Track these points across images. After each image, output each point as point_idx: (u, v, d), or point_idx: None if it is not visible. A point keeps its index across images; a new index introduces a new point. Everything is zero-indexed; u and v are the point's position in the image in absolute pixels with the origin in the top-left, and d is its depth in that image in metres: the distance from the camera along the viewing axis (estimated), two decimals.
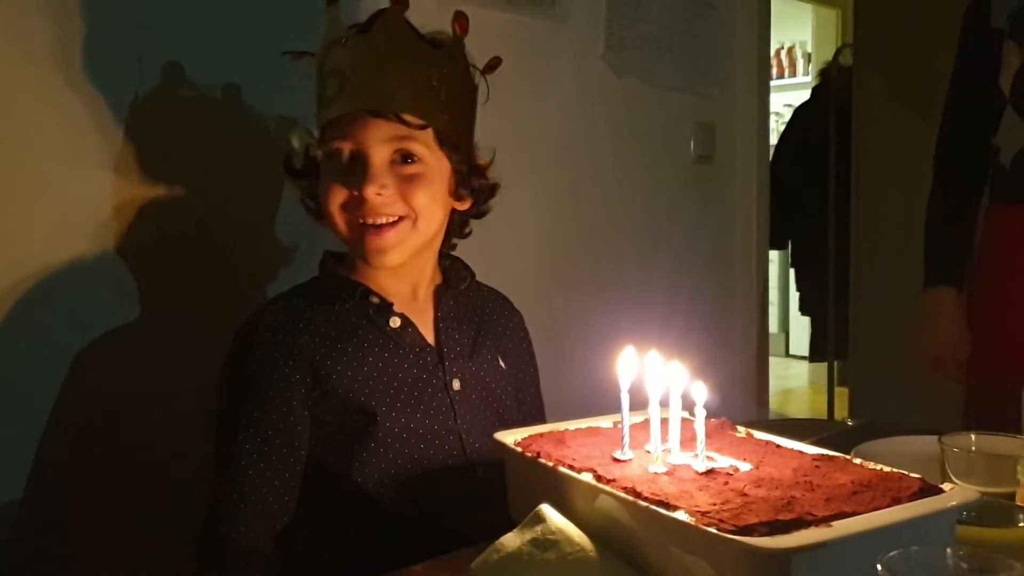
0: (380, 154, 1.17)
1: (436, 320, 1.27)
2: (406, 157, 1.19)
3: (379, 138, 1.17)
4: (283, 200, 1.56)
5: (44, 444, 1.36)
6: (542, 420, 1.39)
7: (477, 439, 1.23)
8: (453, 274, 1.33)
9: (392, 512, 1.16)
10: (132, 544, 1.41)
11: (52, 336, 1.37)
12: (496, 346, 1.33)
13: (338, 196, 1.18)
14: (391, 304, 1.23)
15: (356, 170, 1.17)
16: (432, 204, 1.21)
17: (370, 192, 1.16)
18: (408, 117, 1.17)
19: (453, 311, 1.29)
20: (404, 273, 1.26)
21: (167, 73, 1.45)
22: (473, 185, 1.30)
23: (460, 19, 1.22)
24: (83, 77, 1.37)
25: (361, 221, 1.18)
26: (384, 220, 1.18)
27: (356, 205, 1.18)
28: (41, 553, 1.35)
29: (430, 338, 1.26)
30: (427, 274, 1.29)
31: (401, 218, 1.19)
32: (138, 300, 1.45)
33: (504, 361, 1.33)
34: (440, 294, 1.29)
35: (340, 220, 1.19)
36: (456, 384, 1.24)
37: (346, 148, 1.18)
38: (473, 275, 1.35)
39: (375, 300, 1.23)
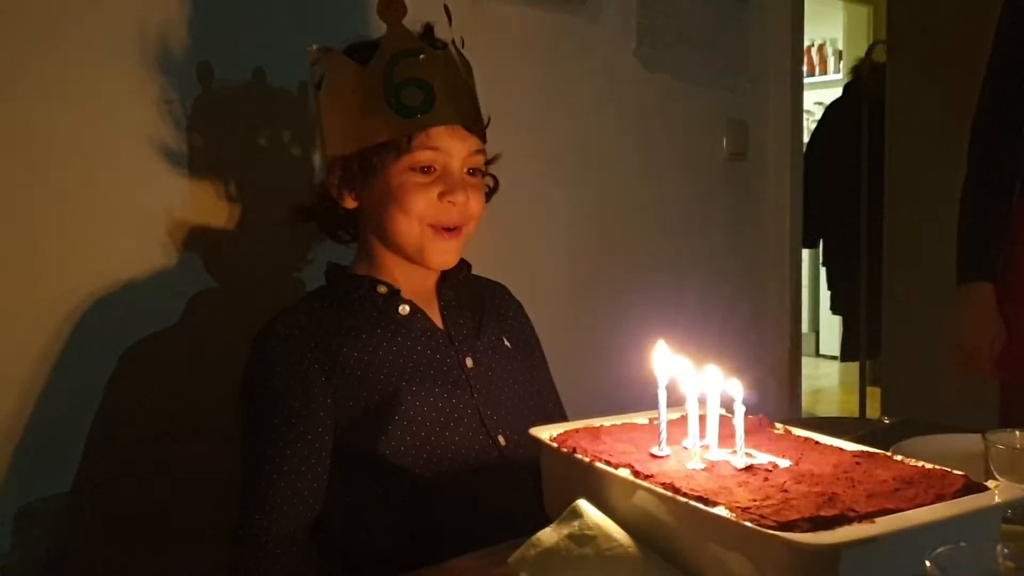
0: (462, 164, 1.25)
1: (441, 308, 1.32)
2: (473, 171, 1.28)
3: (464, 151, 1.25)
4: None
5: (92, 442, 1.38)
6: (559, 402, 1.44)
7: (495, 412, 1.27)
8: (452, 267, 1.36)
9: (419, 486, 1.18)
10: (171, 545, 1.43)
11: (123, 336, 1.40)
12: (499, 328, 1.38)
13: (420, 202, 1.23)
14: (399, 291, 1.28)
15: (442, 180, 1.24)
16: (480, 212, 1.30)
17: (460, 199, 1.24)
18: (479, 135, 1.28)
19: (455, 299, 1.34)
20: (426, 270, 1.32)
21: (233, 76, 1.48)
22: (489, 186, 1.38)
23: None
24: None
25: (438, 225, 1.25)
26: (456, 224, 1.26)
27: (437, 211, 1.24)
28: (81, 548, 1.37)
29: (438, 323, 1.31)
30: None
31: (463, 224, 1.28)
32: (195, 304, 1.47)
33: (508, 341, 1.37)
34: (440, 285, 1.34)
35: (417, 224, 1.24)
36: (469, 362, 1.29)
37: (440, 160, 1.24)
38: (470, 267, 1.39)
39: (382, 289, 1.28)
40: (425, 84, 1.20)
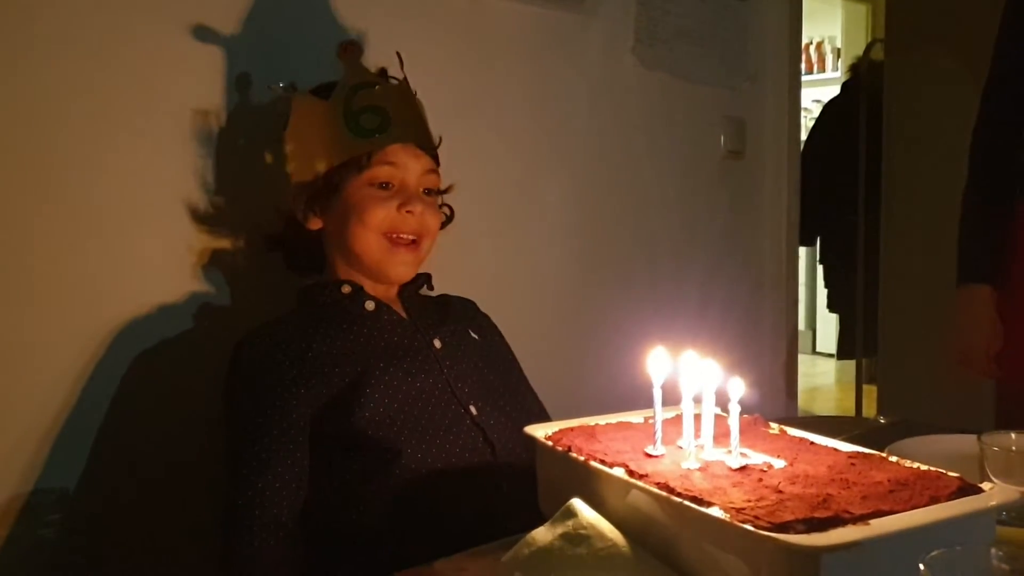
0: (418, 182, 1.36)
1: (404, 307, 1.39)
2: (428, 190, 1.39)
3: (420, 169, 1.36)
4: None
5: (100, 439, 1.38)
6: (536, 396, 1.48)
7: (465, 384, 1.32)
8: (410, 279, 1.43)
9: (398, 458, 1.21)
10: (168, 543, 1.43)
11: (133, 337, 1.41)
12: (466, 324, 1.44)
13: (379, 213, 1.33)
14: (362, 287, 1.36)
15: (400, 193, 1.34)
16: (436, 231, 1.40)
17: (417, 209, 1.34)
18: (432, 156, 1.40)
19: (418, 302, 1.42)
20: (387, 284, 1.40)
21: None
22: (446, 215, 1.49)
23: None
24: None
25: (395, 237, 1.34)
26: (414, 237, 1.35)
27: (394, 220, 1.33)
28: (82, 541, 1.37)
29: (403, 314, 1.38)
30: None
31: (419, 238, 1.37)
32: (199, 307, 1.48)
33: (476, 334, 1.44)
34: (401, 291, 1.41)
35: (375, 237, 1.33)
36: (437, 343, 1.35)
37: (397, 175, 1.34)
38: (430, 277, 1.46)
39: (346, 289, 1.35)
40: (381, 110, 1.33)
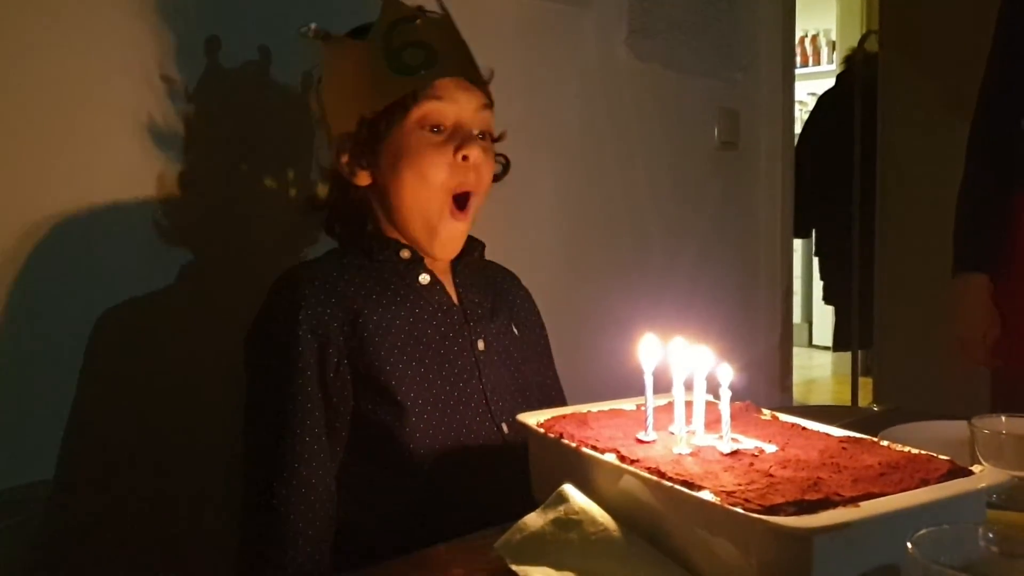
0: (472, 119, 1.23)
1: (456, 284, 1.30)
2: (483, 133, 1.25)
3: (474, 106, 1.23)
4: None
5: (75, 433, 1.36)
6: (561, 392, 1.41)
7: (500, 399, 1.25)
8: (466, 245, 1.32)
9: (423, 468, 1.15)
10: (152, 541, 1.41)
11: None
12: (509, 313, 1.36)
13: (436, 161, 1.21)
14: (422, 259, 1.26)
15: (455, 135, 1.21)
16: (489, 185, 1.27)
17: (473, 152, 1.21)
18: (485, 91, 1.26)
19: (470, 278, 1.32)
20: None
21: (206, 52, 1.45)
22: (501, 164, 1.35)
23: None
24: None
25: (458, 192, 1.22)
26: (471, 189, 1.23)
27: (454, 172, 1.21)
28: (60, 539, 1.36)
29: (454, 298, 1.28)
30: None
31: (472, 193, 1.24)
32: (175, 290, 1.45)
33: (517, 329, 1.36)
34: (454, 262, 1.31)
35: (437, 194, 1.22)
36: (480, 344, 1.27)
37: (450, 115, 1.21)
38: (483, 247, 1.36)
39: (406, 254, 1.25)
40: (424, 44, 1.20)
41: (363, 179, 1.25)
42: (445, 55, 1.21)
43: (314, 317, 1.15)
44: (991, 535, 0.69)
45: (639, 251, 2.27)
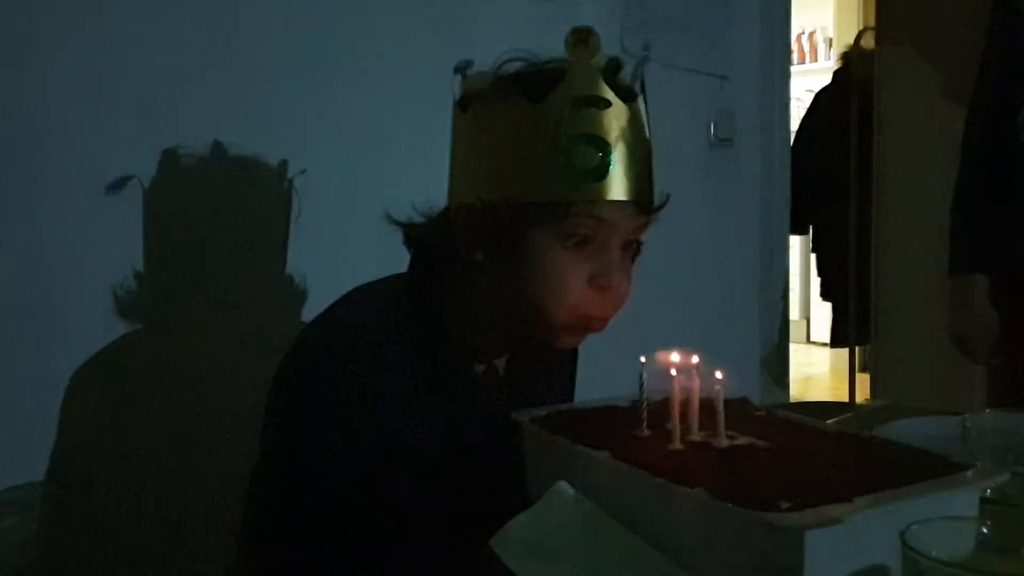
0: (622, 241, 1.05)
1: (509, 365, 1.17)
2: (631, 244, 1.07)
3: (630, 229, 1.05)
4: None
5: (67, 435, 1.37)
6: None
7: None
8: None
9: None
10: (139, 543, 1.42)
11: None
12: (549, 379, 1.25)
13: (572, 283, 1.02)
14: (495, 367, 1.13)
15: (596, 256, 1.03)
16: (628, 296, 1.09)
17: (614, 282, 1.03)
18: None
19: (526, 355, 1.18)
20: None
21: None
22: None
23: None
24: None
25: (588, 318, 1.05)
26: (606, 317, 1.06)
27: (589, 301, 1.03)
28: (53, 540, 1.36)
29: (501, 368, 1.16)
30: None
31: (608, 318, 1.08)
32: (176, 302, 1.46)
33: (549, 384, 1.25)
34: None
35: (569, 313, 1.03)
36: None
37: (600, 232, 1.02)
38: None
39: (480, 368, 1.12)
40: (602, 143, 0.99)
41: (474, 256, 1.06)
42: (621, 166, 1.00)
43: (352, 402, 1.01)
44: (985, 530, 0.69)
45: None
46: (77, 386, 1.36)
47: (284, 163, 1.53)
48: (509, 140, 1.00)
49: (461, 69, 1.05)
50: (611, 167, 0.99)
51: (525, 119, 0.99)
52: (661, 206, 1.08)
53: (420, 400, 1.05)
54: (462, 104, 1.05)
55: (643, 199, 1.04)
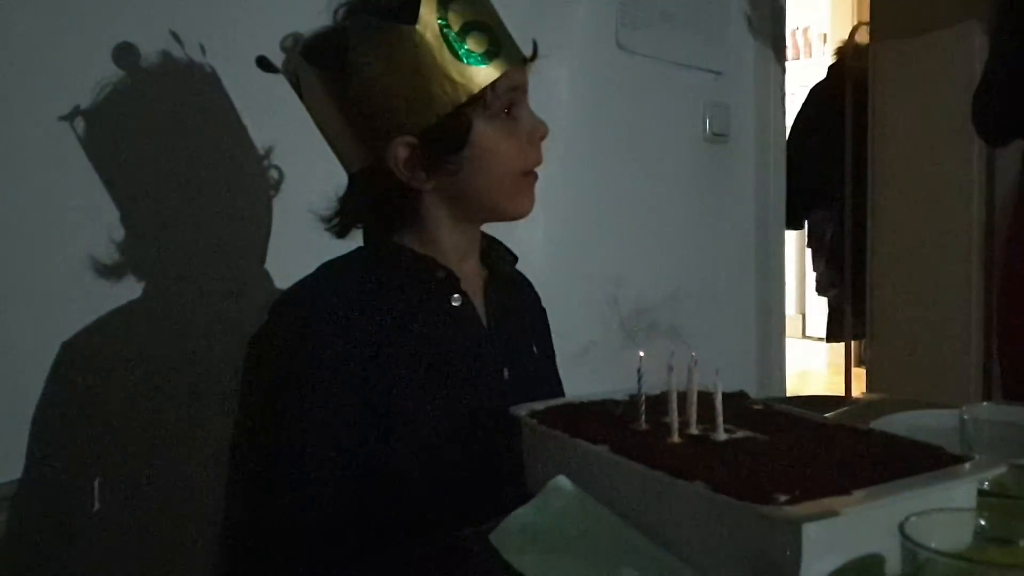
0: (526, 94, 1.18)
1: (487, 303, 1.21)
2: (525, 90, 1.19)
3: (526, 80, 1.18)
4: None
5: (39, 427, 1.36)
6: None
7: None
8: (494, 254, 1.26)
9: (445, 508, 1.06)
10: (119, 542, 1.42)
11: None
12: (531, 332, 1.31)
13: (512, 149, 1.15)
14: (458, 280, 1.17)
15: (524, 120, 1.16)
16: None
17: (543, 131, 1.19)
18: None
19: (500, 298, 1.24)
20: (473, 238, 1.23)
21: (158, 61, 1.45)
22: None
23: None
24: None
25: (527, 170, 1.18)
26: (539, 163, 1.20)
27: (527, 154, 1.17)
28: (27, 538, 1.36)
29: (482, 318, 1.20)
30: (478, 244, 1.25)
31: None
32: (143, 288, 1.45)
33: (536, 347, 1.31)
34: (488, 282, 1.23)
35: (510, 176, 1.17)
36: (506, 373, 1.19)
37: (517, 98, 1.15)
38: (516, 259, 1.30)
39: (440, 275, 1.16)
40: (484, 25, 1.10)
41: (423, 183, 1.13)
42: (505, 36, 1.13)
43: (333, 363, 1.05)
44: (982, 522, 0.69)
45: (629, 243, 2.27)
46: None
47: (269, 149, 1.53)
48: (409, 66, 1.06)
49: (287, 48, 1.13)
50: (499, 44, 1.11)
51: (412, 40, 1.06)
52: (537, 53, 1.18)
53: (400, 344, 1.09)
54: (326, 63, 1.09)
55: (528, 53, 1.16)
